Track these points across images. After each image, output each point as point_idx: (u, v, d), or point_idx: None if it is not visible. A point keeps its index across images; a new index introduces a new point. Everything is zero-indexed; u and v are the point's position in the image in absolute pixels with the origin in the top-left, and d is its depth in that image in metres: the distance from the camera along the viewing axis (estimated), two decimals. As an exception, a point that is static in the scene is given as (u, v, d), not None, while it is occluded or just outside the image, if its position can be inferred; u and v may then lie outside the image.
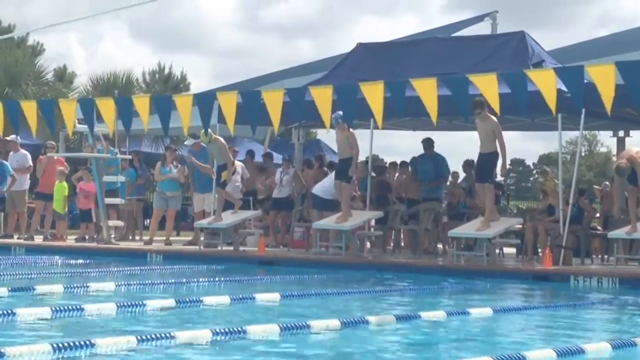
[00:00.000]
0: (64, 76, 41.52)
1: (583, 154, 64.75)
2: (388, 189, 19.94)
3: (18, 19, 69.84)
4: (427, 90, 16.87)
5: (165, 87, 37.79)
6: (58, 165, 21.56)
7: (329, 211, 18.65)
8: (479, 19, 23.50)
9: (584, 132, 19.37)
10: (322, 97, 17.90)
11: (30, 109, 20.95)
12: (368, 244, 19.36)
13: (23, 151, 22.07)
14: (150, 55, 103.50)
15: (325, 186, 19.11)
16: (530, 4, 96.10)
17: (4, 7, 77.52)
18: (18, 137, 22.13)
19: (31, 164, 22.00)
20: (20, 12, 77.44)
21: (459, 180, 21.68)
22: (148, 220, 23.24)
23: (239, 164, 19.86)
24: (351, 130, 18.21)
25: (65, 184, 21.16)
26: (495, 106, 16.11)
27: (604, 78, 15.61)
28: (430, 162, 19.82)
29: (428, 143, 20.05)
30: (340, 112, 17.57)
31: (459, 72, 18.07)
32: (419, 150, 20.33)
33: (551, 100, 15.83)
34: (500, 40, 19.65)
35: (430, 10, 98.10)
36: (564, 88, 16.15)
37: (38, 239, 21.08)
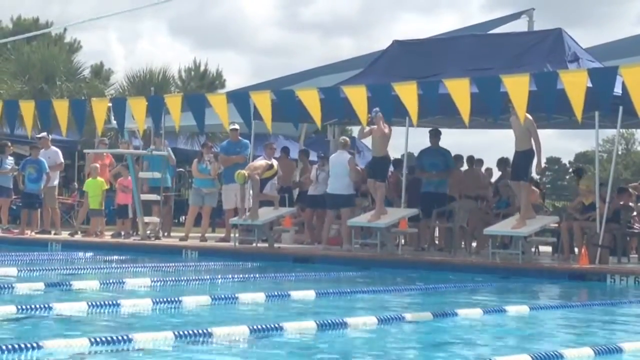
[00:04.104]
0: (100, 73, 41.75)
1: (620, 153, 64.31)
2: (419, 186, 19.87)
3: (62, 18, 70.23)
4: (459, 90, 16.80)
5: (200, 84, 37.84)
6: (106, 161, 21.79)
7: (346, 207, 18.69)
8: (515, 16, 23.38)
9: (621, 130, 19.19)
10: (357, 95, 17.89)
11: (62, 108, 21.11)
12: (402, 241, 19.33)
13: (54, 148, 22.21)
14: (189, 53, 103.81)
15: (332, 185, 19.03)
16: (569, 1, 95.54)
17: (49, 6, 78.12)
18: (48, 134, 22.28)
19: (62, 160, 22.18)
20: (64, 11, 77.96)
21: (493, 179, 21.52)
22: (183, 217, 23.34)
23: (274, 162, 19.87)
24: (389, 127, 18.12)
25: (101, 180, 21.25)
26: (522, 109, 16.00)
27: (637, 80, 15.50)
28: (439, 155, 19.56)
29: (437, 133, 19.61)
30: (377, 108, 17.54)
31: (494, 68, 18.02)
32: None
33: (577, 105, 15.75)
34: (537, 37, 19.53)
35: (470, 8, 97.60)
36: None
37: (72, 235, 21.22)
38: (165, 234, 21.13)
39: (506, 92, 16.28)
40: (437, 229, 20.17)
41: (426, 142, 19.73)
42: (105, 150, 22.55)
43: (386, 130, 17.73)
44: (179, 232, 21.17)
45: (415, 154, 20.96)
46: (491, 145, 66.90)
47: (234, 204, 19.86)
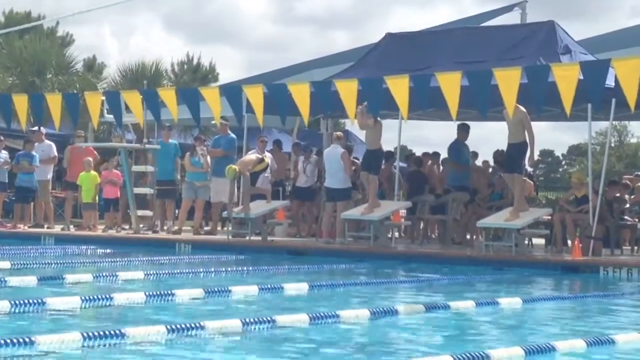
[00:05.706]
0: (93, 66, 41.70)
1: (613, 145, 64.30)
2: (423, 180, 19.86)
3: (55, 13, 70.03)
4: (450, 84, 16.80)
5: (193, 78, 37.83)
6: (87, 155, 21.68)
7: (343, 201, 18.63)
8: (508, 9, 23.38)
9: (614, 122, 19.21)
10: (347, 89, 17.89)
11: (55, 102, 21.08)
12: (396, 234, 19.35)
13: (48, 142, 22.18)
14: (183, 47, 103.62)
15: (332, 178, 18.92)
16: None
17: (42, 0, 77.82)
18: (42, 128, 22.25)
19: (56, 154, 22.16)
20: (58, 6, 77.64)
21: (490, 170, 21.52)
22: (177, 210, 23.30)
23: (267, 155, 19.87)
24: (380, 121, 18.12)
25: (94, 174, 21.21)
26: (511, 103, 16.01)
27: (629, 73, 15.51)
28: (467, 150, 19.71)
29: (467, 128, 19.59)
30: (365, 103, 17.54)
31: (486, 60, 18.00)
32: (450, 140, 20.13)
33: (567, 99, 15.77)
34: (529, 29, 19.54)
35: (464, 1, 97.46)
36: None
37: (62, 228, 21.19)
38: (162, 227, 21.08)
39: (497, 85, 16.28)
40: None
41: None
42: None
43: (369, 122, 17.72)
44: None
45: (409, 147, 21.00)
46: (488, 138, 66.88)
47: (219, 197, 19.92)
